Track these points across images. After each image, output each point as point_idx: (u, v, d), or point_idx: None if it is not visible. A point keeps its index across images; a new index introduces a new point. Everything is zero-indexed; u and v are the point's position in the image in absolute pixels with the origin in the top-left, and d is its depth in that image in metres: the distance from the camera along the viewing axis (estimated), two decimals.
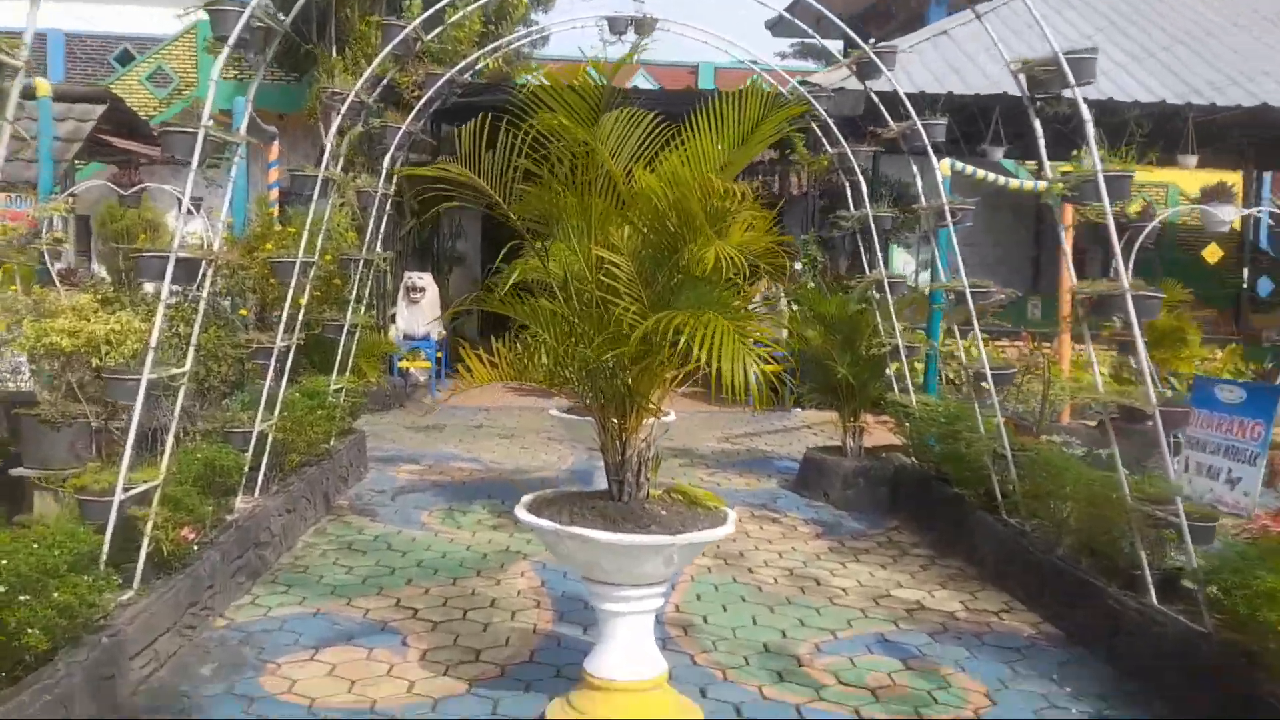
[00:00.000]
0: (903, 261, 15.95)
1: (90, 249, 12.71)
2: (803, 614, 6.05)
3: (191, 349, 5.15)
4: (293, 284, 6.53)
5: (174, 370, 4.95)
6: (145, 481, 4.74)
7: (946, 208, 6.34)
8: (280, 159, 11.96)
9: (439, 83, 8.17)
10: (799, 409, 12.99)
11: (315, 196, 6.82)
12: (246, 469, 6.33)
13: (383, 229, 8.71)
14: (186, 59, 18.52)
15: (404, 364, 13.38)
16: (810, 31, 10.20)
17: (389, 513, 8.07)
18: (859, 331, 9.00)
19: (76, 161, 12.21)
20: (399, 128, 8.10)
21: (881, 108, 7.44)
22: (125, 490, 4.56)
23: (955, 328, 8.10)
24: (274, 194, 11.26)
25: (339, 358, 8.44)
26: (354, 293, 8.32)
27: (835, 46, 16.22)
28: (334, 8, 12.29)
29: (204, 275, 5.70)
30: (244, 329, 7.94)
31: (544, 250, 4.64)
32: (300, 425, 7.34)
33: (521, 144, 4.43)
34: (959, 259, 6.47)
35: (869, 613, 6.11)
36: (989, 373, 6.61)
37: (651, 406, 4.47)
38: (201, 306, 5.34)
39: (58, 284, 7.89)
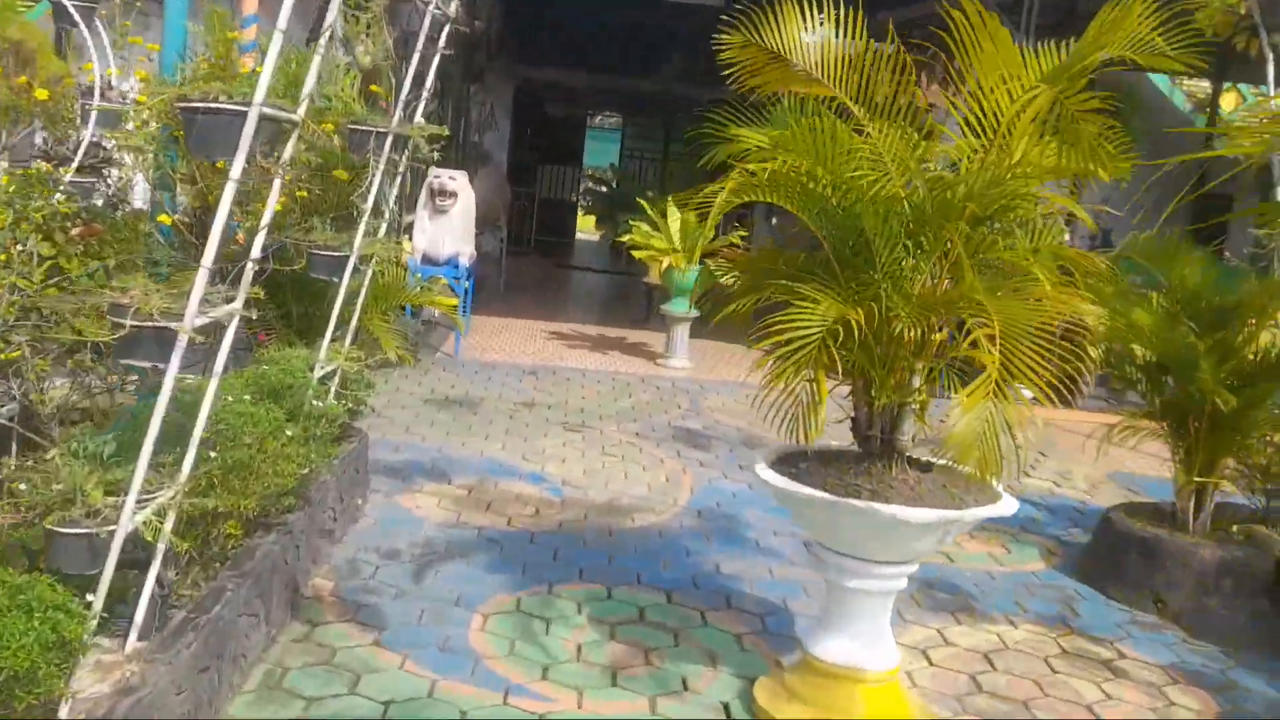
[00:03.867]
0: None
1: None
2: None
3: None
4: (235, 164, 2.66)
5: None
6: None
7: None
8: None
9: None
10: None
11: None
12: (95, 623, 2.55)
13: (429, 86, 4.73)
14: None
15: (426, 294, 9.46)
16: None
17: (408, 615, 4.31)
18: (1239, 320, 5.21)
19: None
20: None
21: None
22: None
23: None
24: (249, 33, 7.18)
25: (335, 315, 4.61)
26: (371, 197, 4.42)
27: None
28: None
29: None
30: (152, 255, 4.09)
31: None
32: (248, 470, 3.54)
33: None
34: None
35: None
36: None
37: None
38: None
39: None
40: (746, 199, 3.67)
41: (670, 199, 10.56)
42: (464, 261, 9.65)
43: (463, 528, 5.36)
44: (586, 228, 23.42)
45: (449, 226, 9.44)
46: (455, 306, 9.71)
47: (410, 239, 9.60)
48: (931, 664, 4.38)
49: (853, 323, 3.31)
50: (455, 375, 8.84)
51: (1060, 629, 4.86)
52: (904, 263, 3.48)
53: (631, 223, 10.63)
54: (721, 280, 4.10)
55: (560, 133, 21.99)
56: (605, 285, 17.56)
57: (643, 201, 10.77)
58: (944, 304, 3.44)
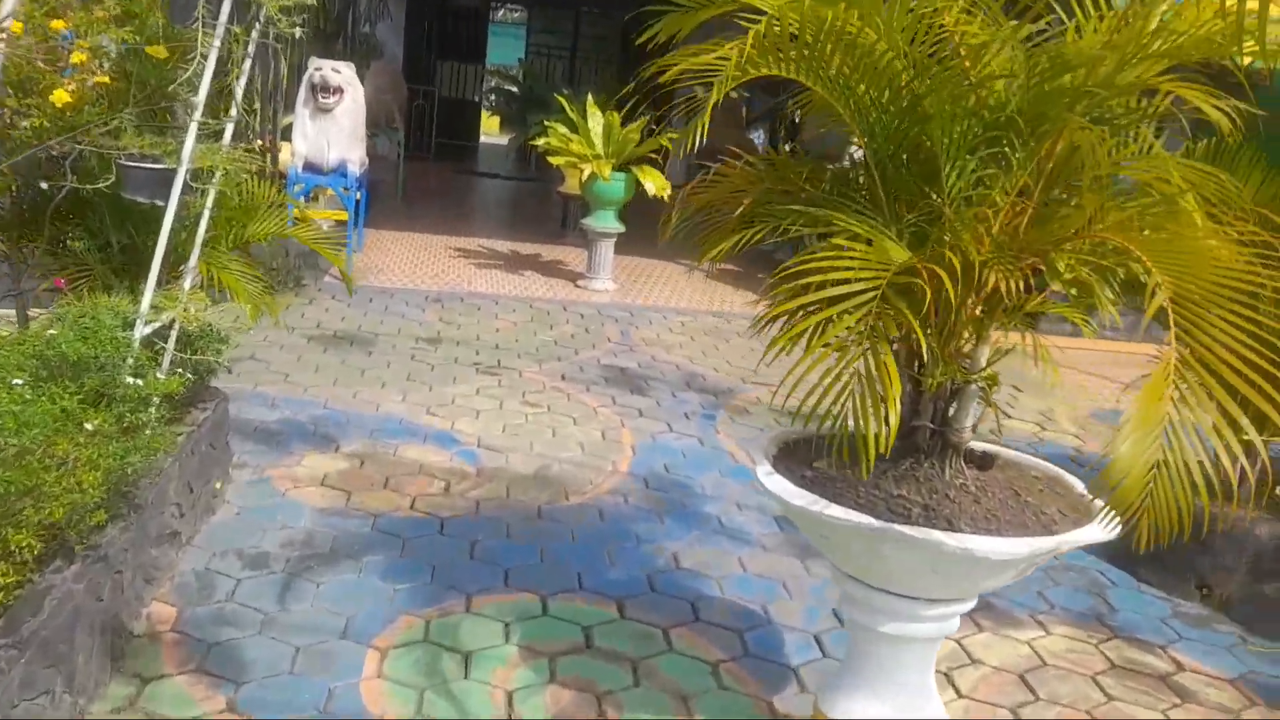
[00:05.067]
0: None
1: None
2: None
3: None
4: None
5: None
6: None
7: None
8: None
9: None
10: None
11: None
12: None
13: None
14: None
15: (302, 213, 8.14)
16: None
17: (276, 658, 3.19)
18: None
19: None
20: None
21: None
22: None
23: None
24: None
25: (160, 250, 3.37)
26: (204, 87, 3.14)
27: None
28: None
29: None
30: None
31: None
32: (13, 493, 2.36)
33: None
34: None
35: None
36: None
37: None
38: None
39: None
40: (762, 72, 2.52)
41: (591, 97, 9.32)
42: (353, 169, 8.31)
43: (352, 515, 4.23)
44: (491, 130, 21.87)
45: (334, 128, 8.07)
46: (343, 220, 8.43)
47: (287, 141, 8.22)
48: (960, 695, 3.43)
49: (924, 273, 2.23)
50: (346, 304, 7.58)
51: (1099, 631, 3.96)
52: (986, 180, 2.41)
53: (546, 124, 9.35)
54: (702, 202, 2.96)
55: (461, 26, 20.28)
56: (515, 193, 16.21)
57: (561, 99, 9.48)
58: (1052, 244, 2.40)
